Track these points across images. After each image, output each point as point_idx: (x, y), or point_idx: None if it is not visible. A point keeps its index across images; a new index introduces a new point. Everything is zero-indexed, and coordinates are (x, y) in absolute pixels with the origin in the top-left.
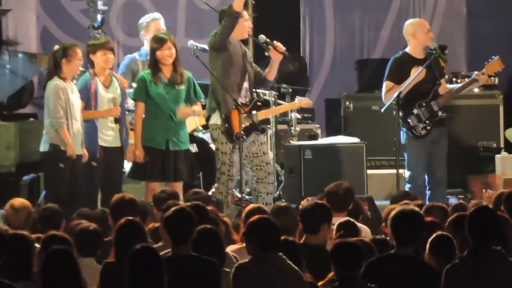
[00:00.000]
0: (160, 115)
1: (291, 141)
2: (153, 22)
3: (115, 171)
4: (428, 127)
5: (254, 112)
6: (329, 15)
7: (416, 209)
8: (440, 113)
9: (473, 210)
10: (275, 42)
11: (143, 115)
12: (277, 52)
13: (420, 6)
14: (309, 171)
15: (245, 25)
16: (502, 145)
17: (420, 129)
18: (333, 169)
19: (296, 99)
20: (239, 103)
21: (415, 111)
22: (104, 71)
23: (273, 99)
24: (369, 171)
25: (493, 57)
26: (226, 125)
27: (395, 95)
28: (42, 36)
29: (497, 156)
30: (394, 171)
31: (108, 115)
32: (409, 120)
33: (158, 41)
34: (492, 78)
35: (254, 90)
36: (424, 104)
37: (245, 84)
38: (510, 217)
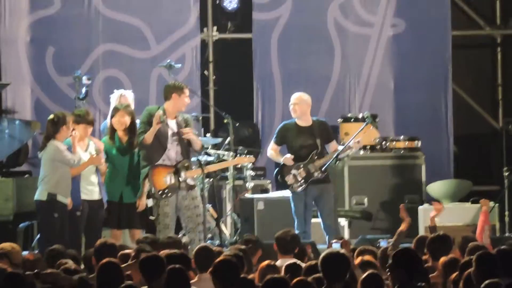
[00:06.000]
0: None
1: (246, 195)
2: (121, 97)
3: (96, 220)
4: (303, 185)
5: (182, 172)
6: (278, 88)
7: (342, 251)
8: (316, 174)
9: (395, 252)
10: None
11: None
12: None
13: (355, 81)
14: (261, 220)
15: (184, 101)
16: (424, 198)
17: (295, 187)
18: (281, 218)
19: (237, 156)
20: (161, 164)
21: (293, 171)
22: (84, 138)
23: (231, 158)
24: (312, 220)
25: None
26: (148, 183)
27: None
28: (36, 106)
29: (420, 207)
30: None
31: (91, 163)
32: (286, 179)
33: (113, 111)
34: (416, 141)
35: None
36: (301, 166)
37: (177, 148)
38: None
